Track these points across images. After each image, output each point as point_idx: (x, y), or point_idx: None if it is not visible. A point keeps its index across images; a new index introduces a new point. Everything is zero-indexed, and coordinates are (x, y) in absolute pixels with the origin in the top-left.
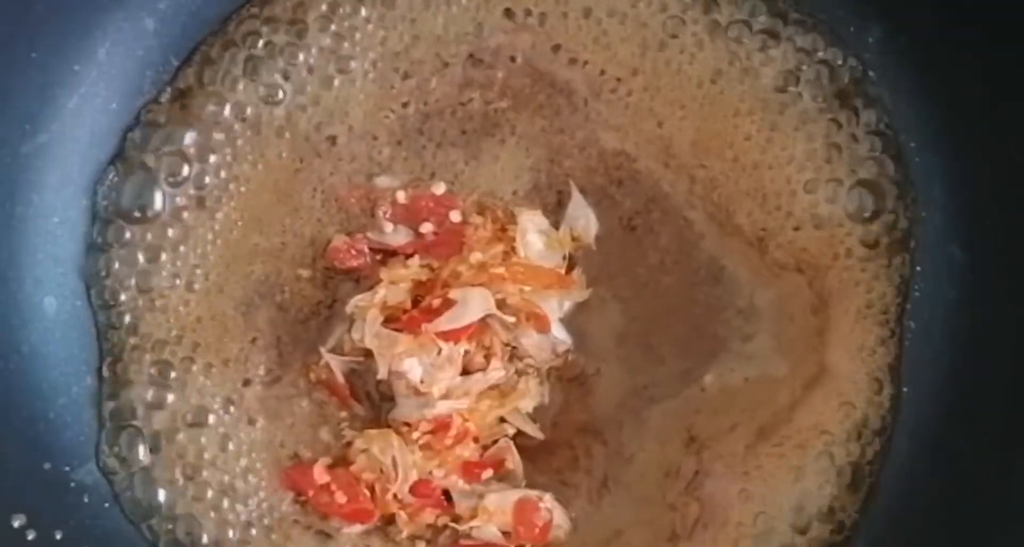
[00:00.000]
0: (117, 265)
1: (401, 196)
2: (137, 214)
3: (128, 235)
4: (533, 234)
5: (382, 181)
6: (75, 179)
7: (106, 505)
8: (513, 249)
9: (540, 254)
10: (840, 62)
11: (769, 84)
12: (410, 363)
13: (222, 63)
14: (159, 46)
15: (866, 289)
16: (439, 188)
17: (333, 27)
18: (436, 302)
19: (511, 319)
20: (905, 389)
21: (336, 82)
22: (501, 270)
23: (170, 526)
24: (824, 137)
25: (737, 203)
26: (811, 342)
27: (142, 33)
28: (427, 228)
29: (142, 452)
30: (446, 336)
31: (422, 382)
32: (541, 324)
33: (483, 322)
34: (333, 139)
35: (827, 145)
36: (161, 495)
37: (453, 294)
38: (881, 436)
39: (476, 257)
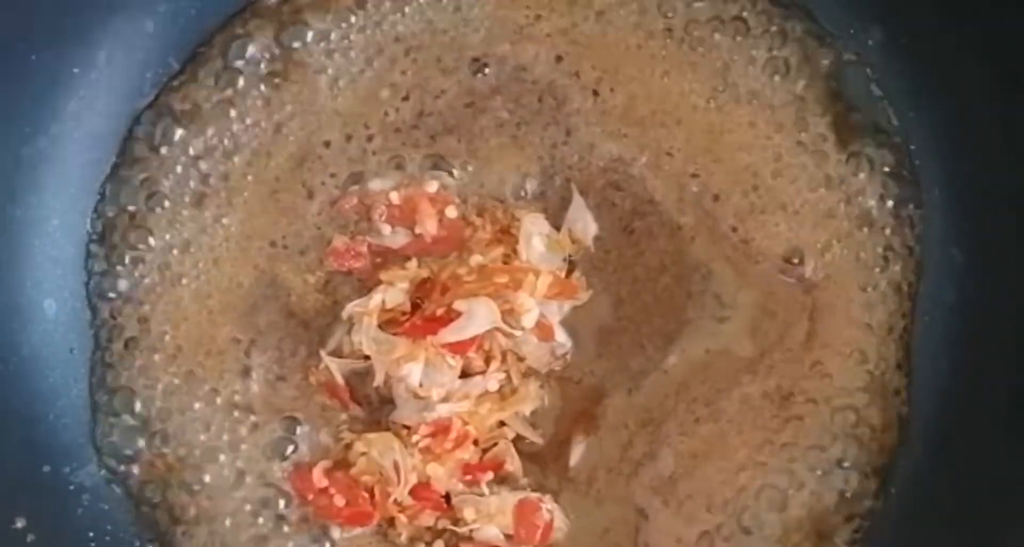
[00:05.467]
0: (117, 267)
1: (394, 197)
2: (136, 216)
3: (127, 237)
4: (536, 237)
5: (375, 184)
6: (75, 181)
7: (105, 507)
8: (515, 251)
9: (542, 257)
10: (840, 65)
11: (766, 87)
12: (409, 368)
13: (222, 65)
14: (158, 49)
15: (864, 291)
16: (431, 186)
17: (335, 29)
18: (440, 311)
19: (518, 333)
20: (904, 391)
21: (336, 85)
22: (505, 279)
23: (169, 527)
24: (821, 140)
25: (730, 207)
26: (797, 339)
27: (142, 36)
28: (425, 228)
29: (141, 454)
30: (452, 348)
31: (421, 386)
32: (545, 333)
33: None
34: (329, 143)
35: (824, 148)
36: (161, 496)
37: (458, 305)
38: (879, 438)
39: (476, 259)
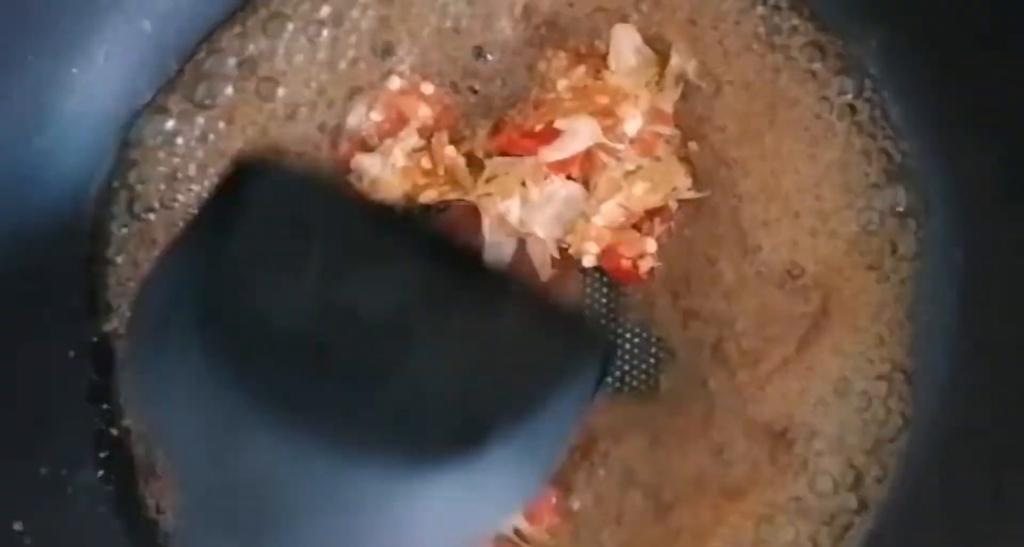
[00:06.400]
0: (115, 267)
1: (374, 116)
2: (134, 215)
3: (125, 237)
4: (628, 50)
5: (352, 120)
6: (74, 181)
7: (103, 510)
8: (601, 67)
9: (631, 71)
10: (840, 66)
11: (763, 88)
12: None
13: (220, 65)
14: (157, 49)
15: (864, 292)
16: (393, 83)
17: (337, 27)
18: (539, 127)
19: (620, 146)
20: (905, 392)
21: (336, 86)
22: (606, 99)
23: (169, 529)
24: (821, 141)
25: (729, 209)
26: (794, 340)
27: (140, 36)
28: (419, 118)
29: (138, 453)
30: (553, 168)
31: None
32: (648, 146)
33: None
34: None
35: (823, 148)
36: (159, 496)
37: (559, 124)
38: (877, 439)
39: (563, 84)
